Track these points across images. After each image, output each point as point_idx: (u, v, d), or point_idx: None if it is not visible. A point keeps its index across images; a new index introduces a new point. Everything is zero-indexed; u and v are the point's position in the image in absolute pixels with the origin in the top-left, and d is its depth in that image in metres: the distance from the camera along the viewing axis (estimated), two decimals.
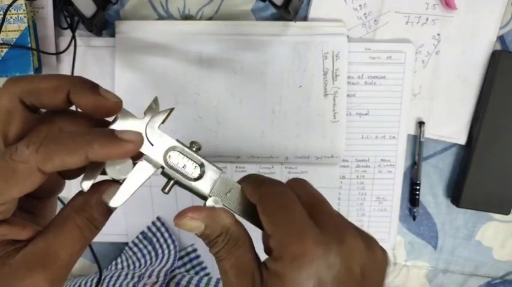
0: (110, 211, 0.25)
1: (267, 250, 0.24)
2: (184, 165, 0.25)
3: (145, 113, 0.25)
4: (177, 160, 0.25)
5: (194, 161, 0.26)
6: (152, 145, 0.25)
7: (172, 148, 0.25)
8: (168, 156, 0.25)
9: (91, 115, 0.24)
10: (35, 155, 0.21)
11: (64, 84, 0.23)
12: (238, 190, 0.26)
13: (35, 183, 0.22)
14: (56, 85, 0.23)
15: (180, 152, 0.25)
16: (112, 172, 0.24)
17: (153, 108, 0.25)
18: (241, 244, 0.25)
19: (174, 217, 0.25)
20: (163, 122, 0.25)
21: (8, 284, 0.22)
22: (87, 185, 0.24)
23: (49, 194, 0.28)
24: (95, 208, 0.24)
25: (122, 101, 0.24)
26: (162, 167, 0.25)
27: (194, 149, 0.26)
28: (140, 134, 0.24)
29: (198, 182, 0.26)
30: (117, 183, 0.24)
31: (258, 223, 0.26)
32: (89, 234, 0.24)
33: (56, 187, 0.28)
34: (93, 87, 0.23)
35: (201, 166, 0.26)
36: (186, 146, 0.26)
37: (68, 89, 0.23)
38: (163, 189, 0.25)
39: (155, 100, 0.25)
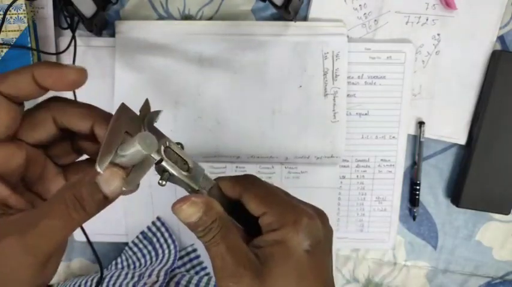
0: (106, 199, 0.24)
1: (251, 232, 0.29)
2: (176, 161, 0.27)
3: (140, 111, 0.27)
4: (170, 155, 0.26)
5: (183, 158, 0.27)
6: None
7: (167, 144, 0.26)
8: (164, 150, 0.26)
9: (61, 89, 0.25)
10: None
11: (27, 70, 0.24)
12: (216, 187, 0.29)
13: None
14: (20, 74, 0.24)
15: (172, 149, 0.27)
16: (143, 145, 0.23)
17: (145, 108, 0.27)
18: (232, 229, 0.27)
19: (173, 204, 0.26)
20: (156, 120, 0.27)
21: None
22: (102, 167, 0.23)
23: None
24: (85, 187, 0.23)
25: (85, 70, 0.25)
26: (160, 161, 0.26)
27: (180, 147, 0.28)
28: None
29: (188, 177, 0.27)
30: (113, 166, 0.24)
31: (234, 216, 0.29)
32: (75, 214, 0.23)
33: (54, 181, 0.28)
34: (54, 64, 0.25)
35: (189, 162, 0.27)
36: (174, 144, 0.27)
37: (32, 73, 0.24)
38: (160, 181, 0.26)
39: (146, 101, 0.27)
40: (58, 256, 0.27)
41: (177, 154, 0.27)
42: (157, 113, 0.27)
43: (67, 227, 0.23)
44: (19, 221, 0.23)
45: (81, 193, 0.23)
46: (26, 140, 0.27)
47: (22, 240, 0.22)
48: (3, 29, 0.48)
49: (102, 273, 0.48)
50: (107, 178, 0.23)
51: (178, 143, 0.27)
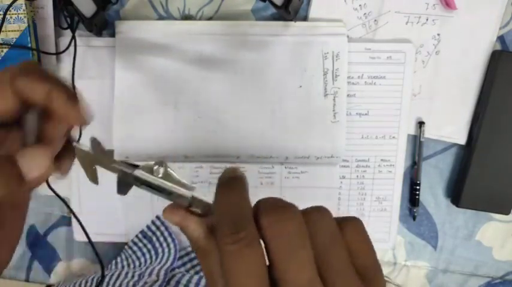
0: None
1: None
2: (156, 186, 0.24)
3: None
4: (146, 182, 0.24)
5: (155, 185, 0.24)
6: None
7: (133, 176, 0.24)
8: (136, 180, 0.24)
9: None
10: None
11: (45, 81, 0.23)
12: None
13: None
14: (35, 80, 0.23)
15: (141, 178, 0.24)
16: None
17: (97, 145, 0.25)
18: (212, 258, 0.23)
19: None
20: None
21: None
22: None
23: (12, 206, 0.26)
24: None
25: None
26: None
27: (159, 175, 0.24)
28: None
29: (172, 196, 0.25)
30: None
31: None
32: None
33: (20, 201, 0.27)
34: (71, 99, 0.23)
35: (168, 192, 0.24)
36: (147, 171, 0.24)
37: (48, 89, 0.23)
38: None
39: (94, 140, 0.25)
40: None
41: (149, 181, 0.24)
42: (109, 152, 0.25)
43: None
44: None
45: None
46: None
47: None
48: (3, 29, 0.48)
49: (103, 273, 0.48)
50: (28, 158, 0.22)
51: (156, 165, 0.24)
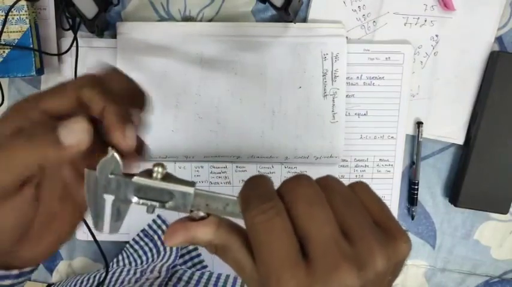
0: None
1: None
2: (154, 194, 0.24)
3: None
4: (144, 193, 0.24)
5: (158, 189, 0.24)
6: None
7: (133, 185, 0.24)
8: (134, 192, 0.24)
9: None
10: None
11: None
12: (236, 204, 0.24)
13: None
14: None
15: (142, 186, 0.24)
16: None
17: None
18: (232, 248, 0.24)
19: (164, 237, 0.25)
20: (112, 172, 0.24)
21: None
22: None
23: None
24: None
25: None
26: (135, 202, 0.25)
27: (158, 176, 0.24)
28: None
29: (173, 203, 0.24)
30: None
31: None
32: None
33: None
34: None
35: (169, 193, 0.24)
36: (145, 177, 0.24)
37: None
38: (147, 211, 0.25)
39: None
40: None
41: (150, 187, 0.24)
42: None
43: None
44: None
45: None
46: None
47: None
48: (5, 29, 0.48)
49: (107, 270, 0.48)
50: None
51: (156, 168, 0.24)
